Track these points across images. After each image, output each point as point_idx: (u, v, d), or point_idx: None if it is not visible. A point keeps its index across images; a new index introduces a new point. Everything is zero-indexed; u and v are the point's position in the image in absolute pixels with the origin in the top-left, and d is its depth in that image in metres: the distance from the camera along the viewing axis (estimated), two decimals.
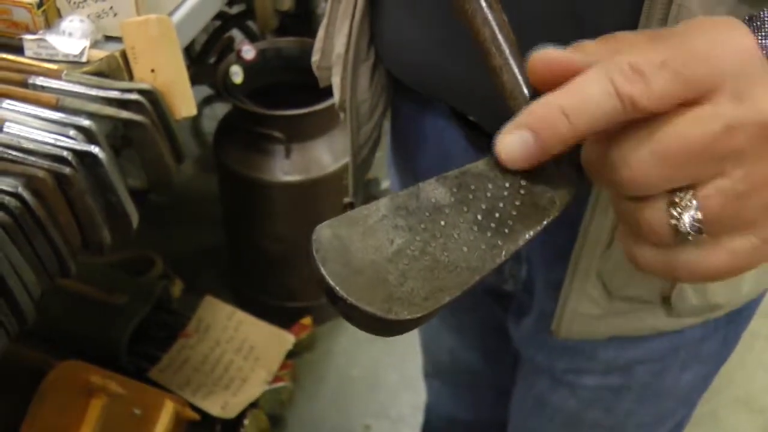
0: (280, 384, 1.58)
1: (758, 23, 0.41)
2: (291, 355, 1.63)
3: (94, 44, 0.96)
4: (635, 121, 0.36)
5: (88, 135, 0.85)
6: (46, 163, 0.81)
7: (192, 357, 1.54)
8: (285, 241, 1.73)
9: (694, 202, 0.36)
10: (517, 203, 0.40)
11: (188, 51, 2.02)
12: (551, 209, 0.40)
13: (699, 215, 0.36)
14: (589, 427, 0.80)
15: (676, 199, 0.36)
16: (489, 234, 0.39)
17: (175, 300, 1.69)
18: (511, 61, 0.41)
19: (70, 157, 0.82)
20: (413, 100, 0.71)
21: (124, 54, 0.93)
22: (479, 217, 0.39)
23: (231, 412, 1.46)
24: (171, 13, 1.05)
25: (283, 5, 1.77)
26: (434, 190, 0.40)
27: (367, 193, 0.57)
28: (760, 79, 0.35)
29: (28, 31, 0.94)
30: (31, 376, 1.29)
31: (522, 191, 0.40)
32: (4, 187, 0.77)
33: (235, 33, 2.17)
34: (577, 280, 0.63)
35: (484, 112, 0.61)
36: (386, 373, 1.87)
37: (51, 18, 0.95)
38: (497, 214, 0.39)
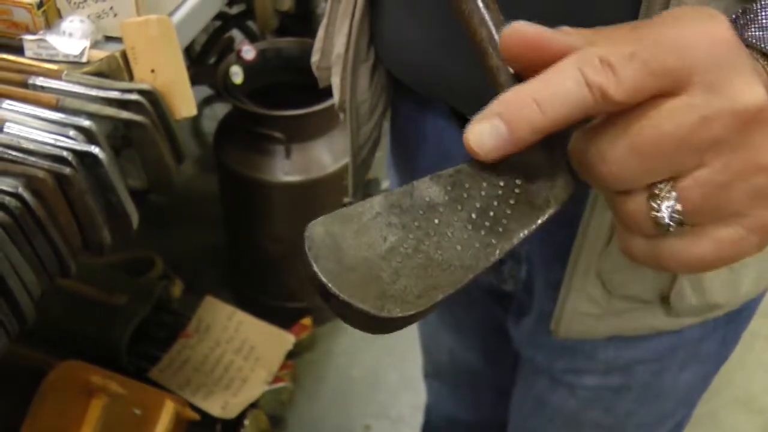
0: (280, 384, 1.58)
1: (751, 15, 0.41)
2: (291, 355, 1.63)
3: (95, 44, 0.96)
4: (612, 116, 0.37)
5: (89, 135, 0.85)
6: (46, 164, 0.81)
7: (192, 357, 1.54)
8: (285, 241, 1.73)
9: (674, 193, 0.36)
10: (512, 202, 0.39)
11: (188, 51, 2.03)
12: (547, 208, 0.40)
13: (678, 206, 0.36)
14: (589, 427, 0.80)
15: (656, 191, 0.37)
16: (483, 232, 0.39)
17: (175, 300, 1.69)
18: None
19: (70, 158, 0.82)
20: (413, 100, 0.71)
21: (124, 54, 0.93)
22: (473, 215, 0.39)
23: (231, 413, 1.46)
24: (171, 14, 1.05)
25: (283, 5, 1.77)
26: (428, 189, 0.40)
27: (367, 193, 0.57)
28: (735, 69, 0.35)
29: (29, 31, 0.94)
30: (31, 376, 1.29)
31: (517, 190, 0.40)
32: (4, 188, 0.77)
33: (235, 33, 2.17)
34: (577, 279, 0.63)
35: None
36: (386, 373, 1.87)
37: (51, 18, 0.95)
38: (491, 213, 0.39)
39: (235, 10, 2.08)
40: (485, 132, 0.37)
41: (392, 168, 0.84)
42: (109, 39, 0.98)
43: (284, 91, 1.73)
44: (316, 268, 0.36)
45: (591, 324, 0.66)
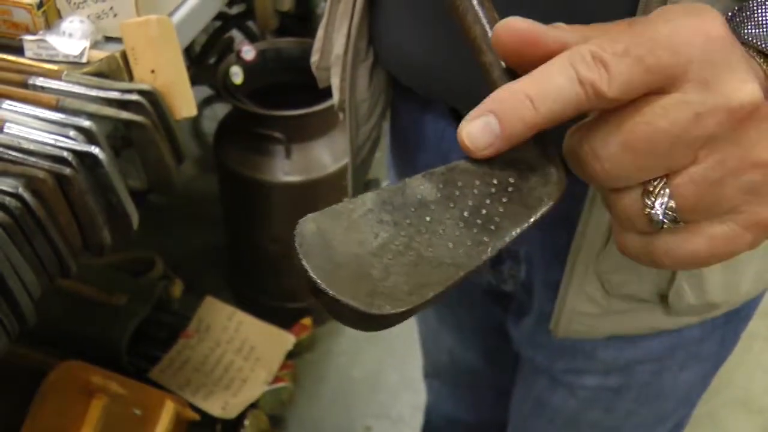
0: (280, 384, 1.58)
1: (747, 13, 0.41)
2: (291, 355, 1.63)
3: (94, 45, 0.96)
4: (605, 113, 0.37)
5: (89, 135, 0.85)
6: (46, 164, 0.81)
7: (192, 357, 1.54)
8: (285, 241, 1.73)
9: (667, 190, 0.36)
10: (505, 200, 0.39)
11: (188, 51, 2.02)
12: (539, 206, 0.39)
13: (672, 203, 0.36)
14: (589, 427, 0.80)
15: (650, 188, 0.37)
16: (475, 230, 0.39)
17: (175, 300, 1.68)
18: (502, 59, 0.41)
19: (70, 158, 0.82)
20: (413, 100, 0.71)
21: (124, 55, 0.93)
22: (465, 213, 0.39)
23: (231, 413, 1.46)
24: (171, 14, 1.05)
25: (283, 6, 1.77)
26: (420, 186, 0.40)
27: None
28: (729, 66, 0.35)
29: (28, 31, 0.94)
30: (31, 376, 1.29)
31: (510, 188, 0.40)
32: (5, 188, 0.77)
33: (235, 33, 2.17)
34: (576, 278, 0.63)
35: None
36: (387, 373, 1.87)
37: (51, 19, 0.96)
38: (484, 211, 0.39)
39: (235, 10, 2.08)
40: (478, 129, 0.37)
41: (392, 168, 0.84)
42: (109, 39, 0.98)
43: (284, 91, 1.73)
44: (306, 265, 0.36)
45: (590, 324, 0.66)
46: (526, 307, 0.75)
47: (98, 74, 0.92)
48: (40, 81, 0.89)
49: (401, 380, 1.84)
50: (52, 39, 0.94)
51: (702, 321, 0.68)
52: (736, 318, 0.72)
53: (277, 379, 1.57)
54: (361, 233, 0.38)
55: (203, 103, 2.36)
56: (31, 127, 0.84)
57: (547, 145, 0.40)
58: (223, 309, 1.65)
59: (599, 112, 0.37)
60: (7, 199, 0.77)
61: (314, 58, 0.75)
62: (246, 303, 1.78)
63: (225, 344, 1.59)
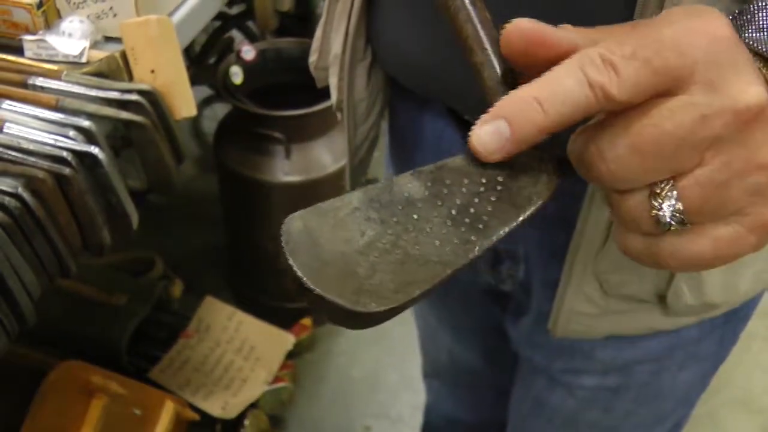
0: (280, 384, 1.58)
1: (748, 16, 0.41)
2: (291, 355, 1.63)
3: (94, 45, 0.96)
4: (612, 115, 0.37)
5: (88, 135, 0.85)
6: (45, 164, 0.81)
7: (192, 357, 1.54)
8: None
9: (674, 192, 0.36)
10: (493, 199, 0.39)
11: (188, 51, 2.03)
12: (528, 206, 0.39)
13: (679, 205, 0.36)
14: (588, 427, 0.80)
15: (657, 190, 0.37)
16: (463, 229, 0.39)
17: (175, 300, 1.69)
18: (492, 58, 0.41)
19: (69, 158, 0.82)
20: (411, 100, 0.71)
21: (123, 54, 0.93)
22: (453, 211, 0.39)
23: (231, 413, 1.46)
24: (171, 14, 1.05)
25: (283, 6, 1.77)
26: (408, 184, 0.40)
27: None
28: (735, 67, 0.36)
29: (28, 31, 0.94)
30: (31, 376, 1.29)
31: (499, 187, 0.40)
32: (4, 188, 0.77)
33: (235, 33, 2.17)
34: (574, 279, 0.63)
35: (482, 113, 0.62)
36: (386, 373, 1.87)
37: (51, 19, 0.96)
38: (472, 210, 0.39)
39: (235, 10, 2.08)
40: (488, 133, 0.38)
41: (390, 168, 0.84)
42: (108, 39, 0.98)
43: (284, 92, 1.73)
44: (292, 263, 0.36)
45: (589, 324, 0.66)
46: (524, 306, 0.75)
47: (98, 74, 0.92)
48: (39, 81, 0.89)
49: (401, 380, 1.84)
50: (51, 39, 0.94)
51: (700, 321, 0.68)
52: (735, 318, 0.72)
53: (277, 379, 1.57)
54: (347, 231, 0.38)
55: (203, 103, 2.36)
56: (30, 127, 0.84)
57: (538, 144, 0.40)
58: (223, 309, 1.65)
59: (605, 115, 0.37)
60: (7, 199, 0.77)
61: (312, 57, 0.75)
62: (246, 303, 1.78)
63: (225, 344, 1.59)
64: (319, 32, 0.73)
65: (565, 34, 0.38)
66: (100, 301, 1.53)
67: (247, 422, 1.48)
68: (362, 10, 0.66)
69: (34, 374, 1.29)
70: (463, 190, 0.39)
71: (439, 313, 0.96)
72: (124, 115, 0.89)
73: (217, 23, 2.07)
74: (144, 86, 0.91)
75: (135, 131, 0.91)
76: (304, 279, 0.36)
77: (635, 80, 0.35)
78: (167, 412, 1.35)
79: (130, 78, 0.94)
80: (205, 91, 2.31)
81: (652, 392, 0.75)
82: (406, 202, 0.39)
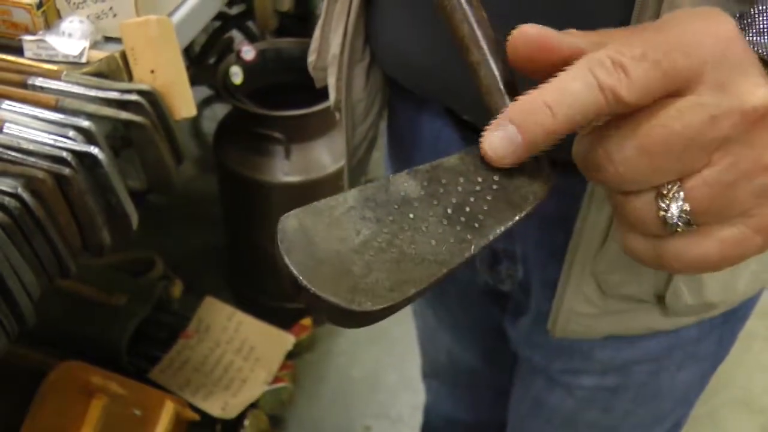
0: (280, 384, 1.58)
1: (748, 20, 0.41)
2: (291, 355, 1.63)
3: (94, 45, 0.96)
4: (620, 117, 0.37)
5: (88, 136, 0.85)
6: (45, 164, 0.81)
7: (192, 358, 1.54)
8: None
9: (682, 193, 0.36)
10: (489, 198, 0.39)
11: (188, 52, 2.03)
12: (524, 205, 0.39)
13: (687, 206, 0.36)
14: (587, 427, 0.80)
15: (664, 191, 0.37)
16: (458, 228, 0.39)
17: (175, 301, 1.69)
18: (489, 58, 0.41)
19: (69, 158, 0.82)
20: (409, 99, 0.72)
21: (123, 55, 0.93)
22: (449, 210, 0.39)
23: (231, 413, 1.47)
24: (171, 14, 1.05)
25: (283, 6, 1.77)
26: (404, 183, 0.40)
27: None
28: (742, 68, 0.36)
29: (28, 31, 0.95)
30: (31, 376, 1.29)
31: (495, 186, 0.40)
32: (4, 188, 0.77)
33: (235, 33, 2.17)
34: (573, 279, 0.63)
35: (480, 113, 0.62)
36: (386, 373, 1.87)
37: (50, 19, 0.96)
38: (468, 209, 0.39)
39: (234, 10, 2.08)
40: (499, 139, 0.38)
41: (389, 168, 0.84)
42: (108, 39, 0.98)
43: (284, 92, 1.73)
44: (287, 261, 0.36)
45: (587, 324, 0.66)
46: (523, 306, 0.75)
47: (98, 74, 0.92)
48: (39, 81, 0.89)
49: (400, 380, 1.84)
50: (51, 39, 0.94)
51: (699, 321, 0.68)
52: (734, 318, 0.72)
53: (276, 380, 1.57)
54: (343, 230, 0.38)
55: (203, 104, 2.36)
56: (30, 128, 0.84)
57: None
58: (222, 309, 1.65)
59: (612, 116, 0.37)
60: (7, 200, 0.77)
61: (311, 58, 0.75)
62: (246, 303, 1.78)
63: (225, 344, 1.59)
64: (317, 32, 0.73)
65: (570, 38, 0.38)
66: (100, 301, 1.53)
67: (247, 422, 1.48)
68: (360, 10, 0.66)
69: (34, 374, 1.29)
70: (459, 189, 0.39)
71: (438, 313, 0.96)
72: (124, 115, 0.89)
73: (217, 23, 2.07)
74: (144, 86, 0.91)
75: (135, 131, 0.91)
76: (300, 278, 0.36)
77: (645, 82, 0.35)
78: (167, 412, 1.35)
79: (130, 78, 0.94)
80: (205, 91, 2.32)
81: (651, 392, 0.75)
82: (402, 201, 0.39)
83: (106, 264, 1.67)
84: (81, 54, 0.94)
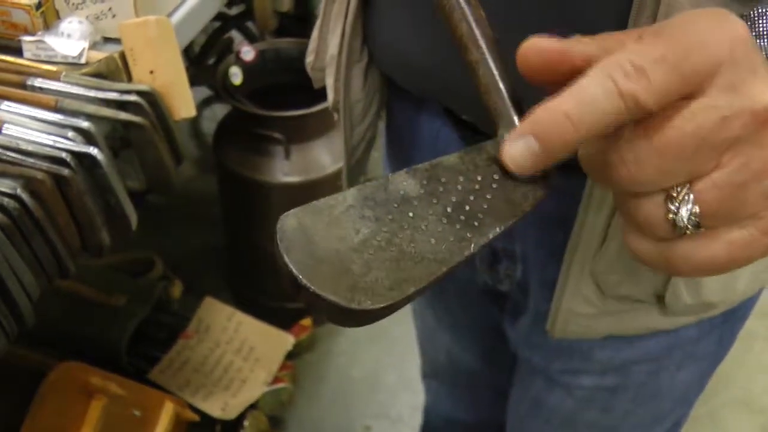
0: (280, 385, 1.58)
1: (749, 23, 0.41)
2: (291, 356, 1.63)
3: (93, 46, 0.96)
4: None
5: (87, 136, 0.85)
6: (44, 165, 0.81)
7: (192, 358, 1.54)
8: None
9: (691, 196, 0.36)
10: (489, 197, 0.39)
11: (187, 52, 2.03)
12: (524, 204, 0.39)
13: (696, 209, 0.36)
14: (586, 427, 0.80)
15: (674, 194, 0.36)
16: (458, 226, 0.39)
17: (174, 301, 1.69)
18: (488, 57, 0.41)
19: (68, 159, 0.82)
20: (407, 99, 0.72)
21: (122, 55, 0.93)
22: (449, 209, 0.39)
23: (231, 413, 1.47)
24: (170, 14, 1.05)
25: (283, 6, 1.77)
26: (404, 182, 0.40)
27: None
28: (753, 68, 0.36)
29: (27, 32, 0.94)
30: (30, 377, 1.29)
31: (494, 185, 0.40)
32: (3, 189, 0.77)
33: (235, 34, 2.17)
34: (571, 279, 0.63)
35: (479, 113, 0.62)
36: (386, 373, 1.87)
37: (50, 19, 0.96)
38: (467, 207, 0.39)
39: (234, 10, 2.08)
40: (520, 151, 0.38)
41: (388, 168, 0.84)
42: (107, 40, 0.98)
43: (283, 92, 1.73)
44: (287, 260, 0.36)
45: (587, 324, 0.66)
46: (522, 307, 0.75)
47: (97, 75, 0.92)
48: (38, 82, 0.89)
49: (400, 380, 1.84)
50: (50, 40, 0.94)
51: (699, 321, 0.68)
52: (733, 317, 0.72)
53: (276, 380, 1.57)
54: (342, 229, 0.38)
55: (202, 104, 2.36)
56: (29, 128, 0.84)
57: None
58: (222, 309, 1.65)
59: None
60: (6, 200, 0.77)
61: (309, 58, 0.75)
62: (245, 303, 1.78)
63: (224, 345, 1.59)
64: (315, 33, 0.73)
65: (581, 46, 0.38)
66: (100, 301, 1.53)
67: (246, 423, 1.48)
68: (358, 10, 0.66)
69: (34, 375, 1.29)
70: (459, 187, 0.39)
71: (438, 313, 0.96)
72: (123, 115, 0.89)
73: (217, 24, 2.07)
74: (143, 87, 0.91)
75: (134, 132, 0.91)
76: (299, 276, 0.36)
77: (666, 86, 0.35)
78: (167, 412, 1.35)
79: (129, 79, 0.94)
80: (205, 91, 2.32)
81: (651, 392, 0.75)
82: (402, 199, 0.39)
83: (106, 264, 1.67)
84: (80, 55, 0.94)
